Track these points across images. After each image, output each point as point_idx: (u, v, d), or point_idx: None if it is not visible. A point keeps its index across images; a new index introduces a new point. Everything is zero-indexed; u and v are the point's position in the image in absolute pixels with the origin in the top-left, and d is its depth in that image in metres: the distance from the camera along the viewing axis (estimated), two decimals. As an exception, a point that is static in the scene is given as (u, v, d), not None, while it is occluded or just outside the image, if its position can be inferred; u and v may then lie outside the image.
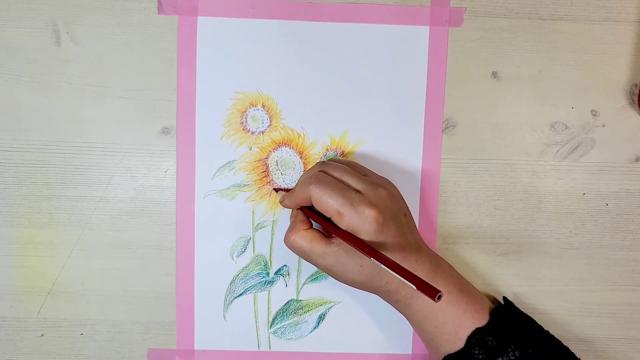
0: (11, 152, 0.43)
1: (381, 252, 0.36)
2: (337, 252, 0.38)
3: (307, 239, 0.38)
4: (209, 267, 0.44)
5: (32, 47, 0.43)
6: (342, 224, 0.37)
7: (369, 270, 0.37)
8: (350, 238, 0.36)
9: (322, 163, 0.41)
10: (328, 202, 0.37)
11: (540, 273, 0.45)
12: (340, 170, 0.39)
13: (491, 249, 0.45)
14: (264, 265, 0.45)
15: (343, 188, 0.37)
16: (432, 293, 0.31)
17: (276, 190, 0.44)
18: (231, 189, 0.44)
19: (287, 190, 0.44)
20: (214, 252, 0.44)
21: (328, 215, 0.37)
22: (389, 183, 0.40)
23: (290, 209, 0.43)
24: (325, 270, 0.39)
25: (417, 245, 0.39)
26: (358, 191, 0.37)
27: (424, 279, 0.38)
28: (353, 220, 0.36)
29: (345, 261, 0.38)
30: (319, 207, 0.37)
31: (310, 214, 0.40)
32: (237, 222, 0.44)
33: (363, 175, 0.39)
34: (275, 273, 0.45)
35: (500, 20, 0.44)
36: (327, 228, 0.38)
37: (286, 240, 0.39)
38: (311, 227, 0.40)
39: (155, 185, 0.44)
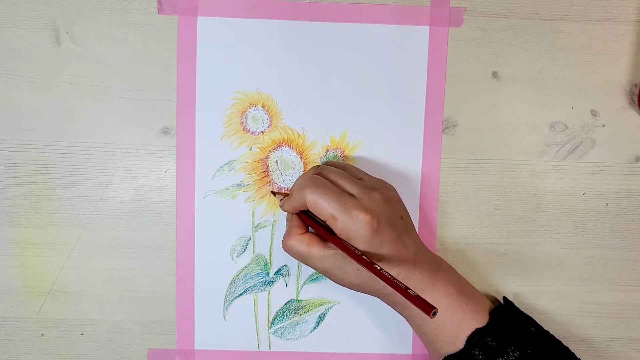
0: (11, 152, 0.43)
1: (376, 260, 0.36)
2: (334, 256, 0.38)
3: (304, 243, 0.39)
4: (209, 267, 0.44)
5: (32, 47, 0.43)
6: (337, 229, 0.37)
7: (366, 273, 0.37)
8: (345, 247, 0.36)
9: (318, 166, 0.41)
10: (323, 206, 0.37)
11: (540, 273, 0.45)
12: (336, 174, 0.39)
13: (491, 249, 0.45)
14: (264, 265, 0.45)
15: (338, 192, 0.37)
16: (427, 309, 0.31)
17: (274, 193, 0.44)
18: (231, 189, 0.44)
19: (285, 194, 0.44)
20: (214, 252, 0.44)
21: (323, 219, 0.37)
22: (384, 186, 0.40)
23: (286, 214, 0.43)
24: (323, 272, 0.39)
25: (415, 248, 0.39)
26: (353, 195, 0.37)
27: (423, 281, 0.38)
28: (347, 224, 0.36)
29: (342, 265, 0.38)
30: (313, 210, 0.37)
31: (306, 220, 0.40)
32: (237, 222, 0.44)
33: (359, 179, 0.39)
34: (275, 273, 0.45)
35: (500, 20, 0.44)
36: (323, 235, 0.38)
37: (283, 245, 0.40)
38: (307, 230, 0.40)
39: (155, 185, 0.44)
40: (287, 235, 0.40)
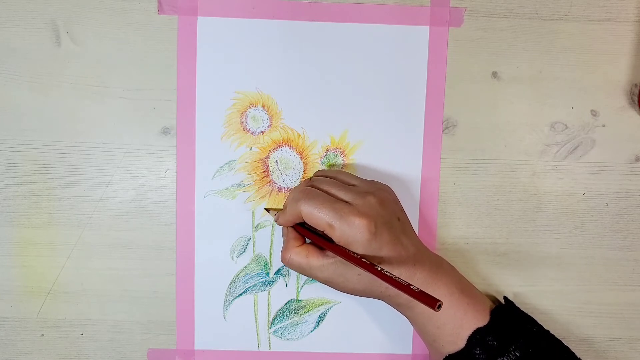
0: (11, 152, 0.43)
1: (376, 263, 0.36)
2: (334, 264, 0.38)
3: (302, 254, 0.39)
4: (209, 267, 0.44)
5: (32, 47, 0.43)
6: (335, 237, 0.37)
7: (368, 278, 0.37)
8: (344, 253, 0.36)
9: (309, 179, 0.42)
10: (318, 216, 0.37)
11: (540, 273, 0.45)
12: (327, 184, 0.39)
13: (491, 249, 0.45)
14: (264, 265, 0.45)
15: (332, 201, 0.37)
16: (432, 303, 0.31)
17: (267, 210, 0.44)
18: (231, 189, 0.44)
19: (278, 209, 0.44)
20: (214, 252, 0.44)
21: (320, 229, 0.37)
22: (379, 189, 0.40)
23: (282, 228, 0.43)
24: (325, 282, 0.39)
25: (414, 249, 0.39)
26: (347, 202, 0.37)
27: (424, 281, 0.38)
28: (344, 231, 0.36)
29: (343, 272, 0.38)
30: (309, 222, 0.38)
31: (303, 232, 0.40)
32: (237, 222, 0.44)
33: (352, 185, 0.39)
34: (275, 273, 0.45)
35: (500, 20, 0.44)
36: (321, 245, 0.38)
37: (282, 259, 0.40)
38: (304, 242, 0.40)
39: (155, 185, 0.44)
40: (285, 248, 0.40)
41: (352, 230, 0.36)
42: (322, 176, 0.41)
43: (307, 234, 0.39)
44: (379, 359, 0.45)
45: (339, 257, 0.37)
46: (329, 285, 0.39)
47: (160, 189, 0.44)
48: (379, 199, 0.38)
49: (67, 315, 0.45)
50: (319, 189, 0.39)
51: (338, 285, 0.39)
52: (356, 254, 0.36)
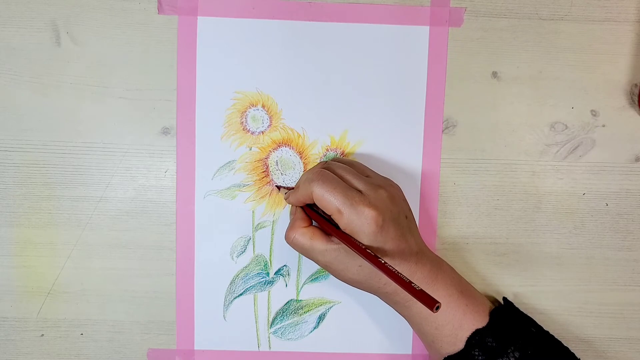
0: (11, 152, 0.43)
1: (380, 256, 0.36)
2: (337, 250, 0.38)
3: (307, 236, 0.39)
4: (209, 267, 0.44)
5: (32, 47, 0.43)
6: (342, 223, 0.37)
7: (368, 270, 0.37)
8: (349, 241, 0.36)
9: (325, 162, 0.41)
10: (329, 200, 0.37)
11: (540, 273, 0.45)
12: (343, 170, 0.39)
13: (491, 249, 0.45)
14: (264, 265, 0.45)
15: (345, 187, 0.37)
16: (431, 303, 0.30)
17: (278, 187, 0.44)
18: (231, 189, 0.44)
19: (290, 187, 0.44)
20: (214, 252, 0.44)
21: (328, 213, 0.37)
22: (391, 185, 0.40)
23: (290, 207, 0.43)
24: (324, 267, 0.39)
25: (417, 248, 0.39)
26: (359, 191, 0.37)
27: (424, 281, 0.38)
28: (352, 219, 0.36)
29: (344, 260, 0.38)
30: (319, 204, 0.37)
31: (311, 213, 0.40)
32: (237, 222, 0.44)
33: (366, 176, 0.39)
34: (275, 273, 0.45)
35: (500, 20, 0.44)
36: (327, 230, 0.38)
37: (287, 238, 0.39)
38: (310, 224, 0.40)
39: (155, 185, 0.44)
40: (291, 227, 0.39)
41: (360, 220, 0.36)
42: (338, 162, 0.41)
43: (315, 216, 0.39)
44: (379, 359, 0.45)
45: (344, 245, 0.37)
46: (327, 270, 0.39)
47: (160, 189, 0.44)
48: (390, 194, 0.38)
49: (67, 315, 0.45)
50: (334, 173, 0.39)
51: (336, 272, 0.39)
52: (361, 244, 0.36)
